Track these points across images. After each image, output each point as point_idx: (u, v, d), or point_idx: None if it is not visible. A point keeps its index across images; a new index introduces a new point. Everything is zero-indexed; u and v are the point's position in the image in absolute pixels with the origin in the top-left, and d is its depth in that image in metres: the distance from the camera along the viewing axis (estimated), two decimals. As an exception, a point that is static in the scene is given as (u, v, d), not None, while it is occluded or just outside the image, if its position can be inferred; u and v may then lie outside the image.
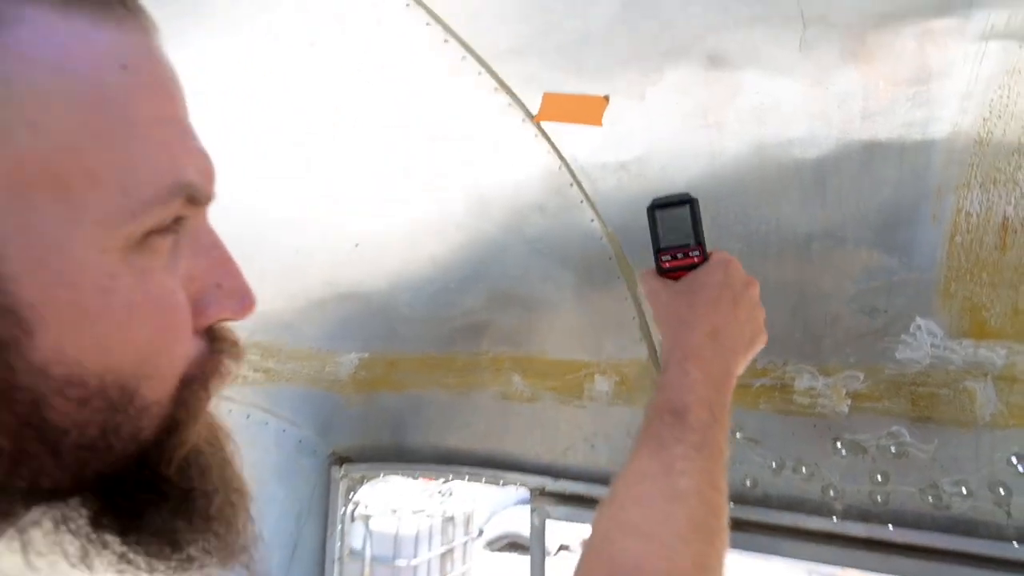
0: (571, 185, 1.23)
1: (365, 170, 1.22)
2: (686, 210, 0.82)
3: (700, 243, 0.81)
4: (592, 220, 1.27)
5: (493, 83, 1.09)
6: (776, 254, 1.15)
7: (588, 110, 1.13)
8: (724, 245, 1.17)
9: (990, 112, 0.89)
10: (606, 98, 1.11)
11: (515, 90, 1.12)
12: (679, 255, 0.82)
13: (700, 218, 0.82)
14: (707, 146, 1.11)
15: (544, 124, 1.17)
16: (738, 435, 1.24)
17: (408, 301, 1.50)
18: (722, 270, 0.80)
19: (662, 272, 0.83)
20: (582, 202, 1.26)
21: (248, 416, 1.59)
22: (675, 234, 0.83)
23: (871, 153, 1.01)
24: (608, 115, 1.11)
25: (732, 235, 1.18)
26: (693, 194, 0.84)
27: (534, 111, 1.15)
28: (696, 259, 0.81)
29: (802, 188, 1.10)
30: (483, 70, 1.06)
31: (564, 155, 1.21)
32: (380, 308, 1.52)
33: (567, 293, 1.37)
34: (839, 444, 1.10)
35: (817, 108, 1.01)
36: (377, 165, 1.22)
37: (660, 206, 0.83)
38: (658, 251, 0.82)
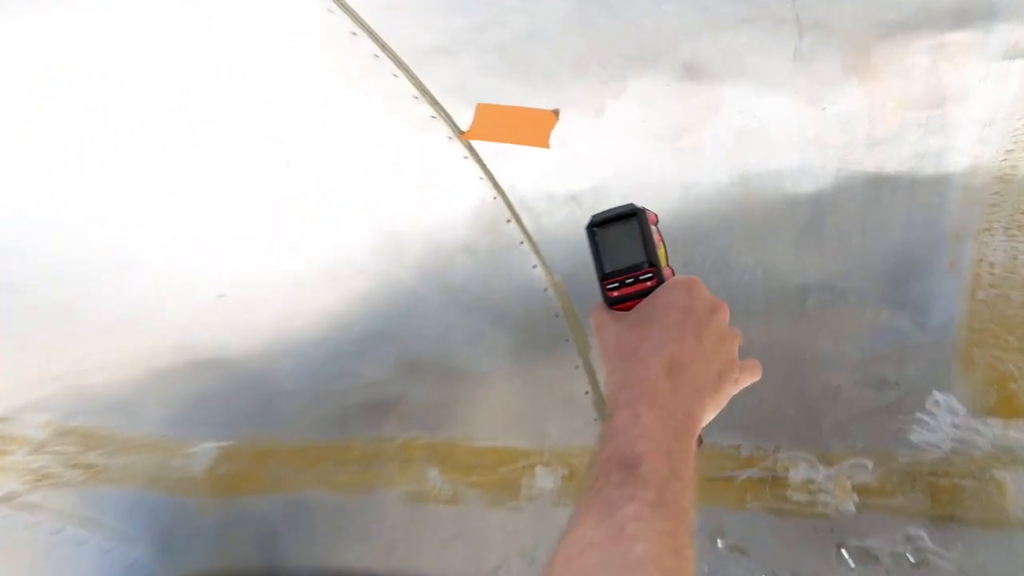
0: (508, 221, 1.20)
1: (235, 195, 1.15)
2: (632, 225, 0.78)
3: (652, 263, 0.78)
4: (535, 266, 1.25)
5: (412, 89, 1.07)
6: (763, 311, 1.15)
7: (532, 127, 1.12)
8: None
9: (1015, 143, 0.92)
10: (555, 112, 1.09)
11: (440, 99, 1.10)
12: (628, 280, 0.78)
13: (650, 233, 0.78)
14: (679, 175, 1.10)
15: (476, 143, 1.15)
16: (719, 543, 1.18)
17: (289, 370, 1.42)
18: (681, 292, 0.76)
19: (611, 304, 0.80)
20: (522, 243, 1.24)
21: (58, 532, 1.40)
22: (621, 255, 0.79)
23: (877, 188, 1.03)
24: (557, 134, 1.10)
25: (708, 286, 1.13)
26: (643, 207, 0.82)
27: (464, 126, 1.13)
28: (649, 283, 0.77)
29: (795, 229, 1.10)
30: (400, 72, 1.03)
31: (500, 183, 1.19)
32: (250, 379, 1.44)
33: (501, 360, 1.34)
34: (845, 552, 1.09)
35: (813, 132, 1.02)
36: (252, 189, 1.15)
37: (600, 224, 0.79)
38: (603, 278, 0.79)
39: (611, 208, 0.79)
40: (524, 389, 1.35)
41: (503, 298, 1.27)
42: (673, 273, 0.81)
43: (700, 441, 0.73)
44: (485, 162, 1.16)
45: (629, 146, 1.09)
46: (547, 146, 1.10)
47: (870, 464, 1.10)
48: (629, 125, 1.06)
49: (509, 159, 1.15)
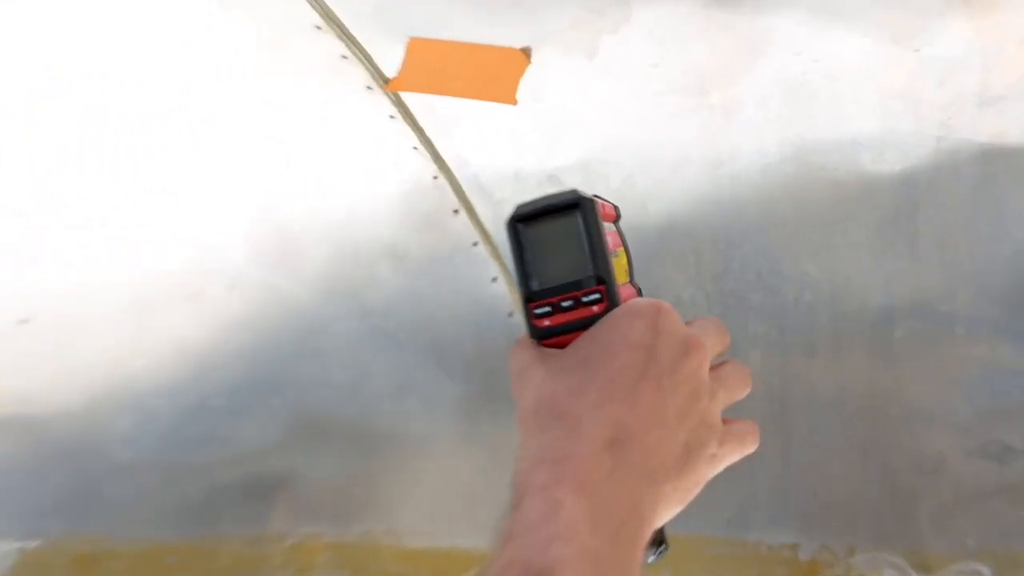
0: (456, 212, 1.16)
1: (47, 171, 1.13)
2: (573, 222, 0.73)
3: (601, 279, 0.71)
4: (494, 279, 1.20)
5: (312, 14, 1.04)
6: (829, 346, 1.12)
7: (492, 73, 1.07)
8: (736, 330, 1.08)
9: None
10: (525, 52, 1.05)
11: (354, 29, 1.06)
12: (565, 303, 0.74)
13: (600, 234, 0.74)
14: (707, 146, 1.07)
15: (409, 96, 1.11)
16: None
17: (126, 433, 1.35)
18: (641, 323, 0.71)
19: (539, 337, 0.76)
20: (476, 244, 1.19)
21: None
22: (556, 267, 0.75)
23: (994, 166, 1.00)
24: (529, 84, 1.05)
25: (747, 308, 1.15)
26: (594, 195, 0.79)
27: (390, 71, 1.09)
28: (596, 307, 0.72)
29: (875, 226, 1.07)
30: None
31: (445, 156, 1.14)
32: (68, 448, 1.36)
33: (444, 419, 1.29)
34: None
35: (901, 84, 1.00)
36: (74, 162, 1.12)
37: (527, 218, 0.72)
38: (528, 299, 0.73)
39: (545, 196, 0.74)
40: (477, 463, 1.30)
41: (448, 327, 1.23)
42: (640, 293, 0.77)
43: (660, 544, 0.71)
44: (422, 124, 1.12)
45: (634, 103, 1.06)
46: (514, 102, 1.06)
47: (987, 571, 1.07)
48: (635, 72, 1.03)
49: (458, 122, 1.12)
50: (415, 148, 1.13)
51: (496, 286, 1.21)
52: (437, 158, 1.14)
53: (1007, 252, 1.05)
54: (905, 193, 1.06)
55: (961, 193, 1.04)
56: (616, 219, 0.79)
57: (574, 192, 0.73)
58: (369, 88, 1.08)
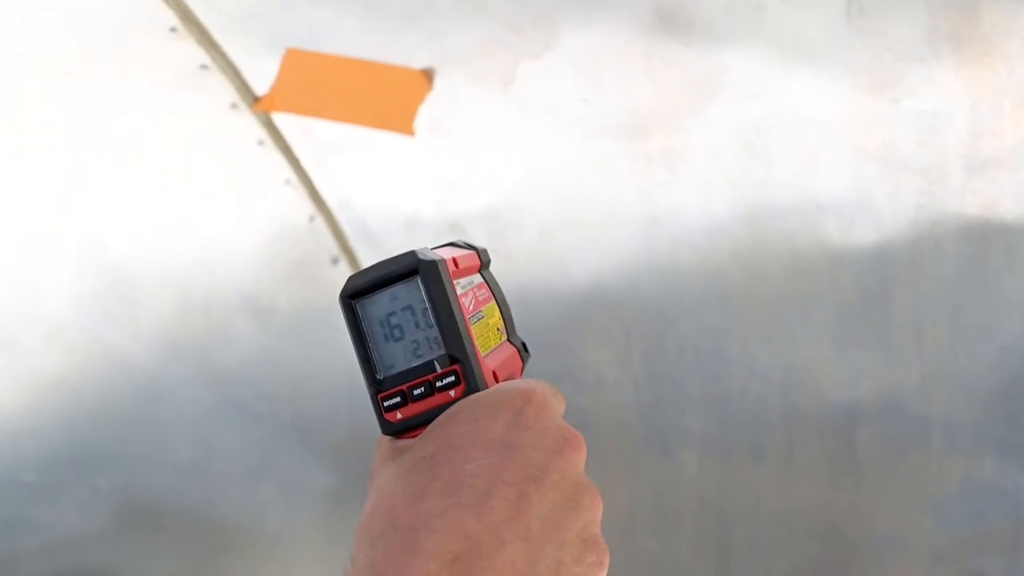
0: (336, 262, 1.11)
1: None
2: (415, 290, 0.67)
3: (455, 357, 0.67)
4: None
5: (170, 15, 0.99)
6: (780, 449, 1.07)
7: (386, 98, 1.04)
8: (668, 424, 1.13)
9: None
10: (427, 75, 1.01)
11: (219, 36, 1.01)
12: (417, 390, 0.66)
13: (450, 300, 0.66)
14: (645, 200, 1.04)
15: (282, 119, 1.07)
16: None
17: None
18: (503, 412, 0.64)
19: (393, 432, 0.65)
20: None
21: None
22: (403, 347, 0.66)
23: (984, 243, 0.97)
24: (430, 112, 1.02)
25: (683, 397, 1.10)
26: (441, 253, 0.72)
27: (261, 88, 1.05)
28: (452, 391, 0.65)
29: (840, 309, 1.04)
30: None
31: (324, 194, 1.10)
32: None
33: (308, 513, 1.24)
34: None
35: (877, 141, 0.96)
36: None
37: (364, 291, 0.65)
38: (376, 390, 0.66)
39: (381, 262, 0.66)
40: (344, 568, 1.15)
41: (317, 401, 1.17)
42: (524, 351, 0.71)
43: None
44: (297, 153, 1.08)
45: (557, 143, 1.03)
46: (411, 133, 1.03)
47: None
48: (559, 106, 1.00)
49: (342, 153, 1.08)
50: (287, 182, 1.08)
51: (381, 352, 1.13)
52: (314, 195, 1.09)
53: (995, 347, 1.01)
54: (877, 270, 1.02)
55: (943, 274, 1.00)
56: (482, 267, 0.71)
57: (412, 255, 0.62)
58: (234, 106, 1.03)
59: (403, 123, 1.02)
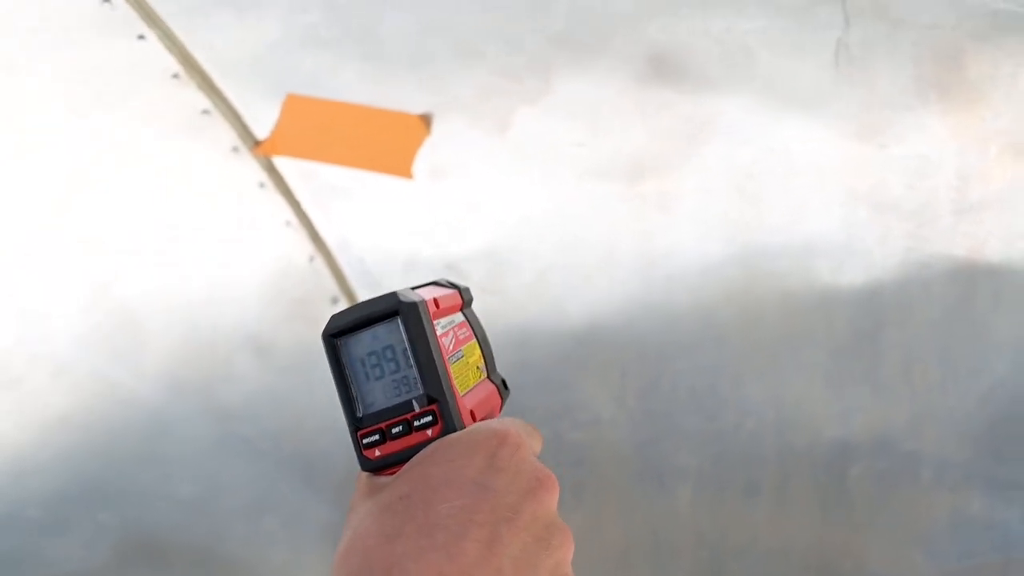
0: (336, 301, 1.13)
1: None
2: (396, 330, 0.70)
3: (433, 396, 0.69)
4: None
5: (172, 60, 1.01)
6: (773, 485, 1.09)
7: (385, 142, 1.05)
8: (663, 461, 1.13)
9: None
10: (425, 120, 1.03)
11: (220, 82, 1.03)
12: (395, 428, 0.69)
13: (429, 341, 0.69)
14: (639, 241, 1.05)
15: (283, 162, 1.09)
16: None
17: None
18: (477, 458, 0.67)
19: (371, 469, 0.69)
20: None
21: None
22: (383, 387, 0.70)
23: (972, 285, 0.98)
24: (428, 156, 1.04)
25: (678, 434, 1.12)
26: (422, 294, 0.75)
27: (262, 132, 1.07)
28: (430, 431, 0.68)
29: (832, 349, 1.05)
30: (150, 30, 0.98)
31: (324, 235, 1.12)
32: None
33: (310, 545, 1.24)
34: None
35: (866, 185, 0.98)
36: None
37: (346, 330, 0.69)
38: (355, 427, 0.69)
39: (363, 303, 0.68)
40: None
41: (319, 437, 1.18)
42: (504, 388, 0.74)
43: None
44: (297, 196, 1.09)
45: (553, 186, 1.04)
46: (409, 176, 1.04)
47: None
48: (555, 151, 1.02)
49: (342, 195, 1.09)
50: (288, 223, 1.10)
51: (380, 391, 1.15)
52: (315, 236, 1.11)
53: (983, 386, 1.03)
54: (868, 311, 1.03)
55: (932, 314, 1.01)
56: (464, 306, 0.73)
57: (393, 295, 0.67)
58: (235, 150, 1.05)
59: (402, 167, 1.04)
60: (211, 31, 0.97)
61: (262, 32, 0.96)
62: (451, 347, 0.70)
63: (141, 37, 0.97)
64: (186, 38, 0.98)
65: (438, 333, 0.69)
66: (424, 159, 1.03)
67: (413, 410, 0.67)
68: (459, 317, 0.72)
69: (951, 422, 1.04)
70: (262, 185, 1.06)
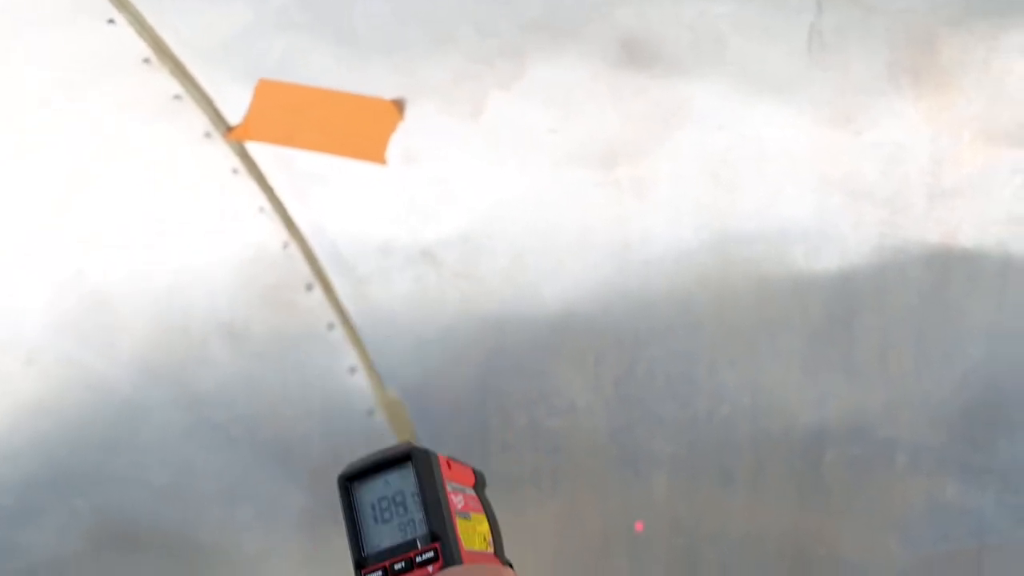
0: (310, 288, 1.13)
1: None
2: (407, 474, 0.73)
3: (436, 535, 0.71)
4: (353, 370, 1.18)
5: (143, 45, 1.02)
6: (748, 472, 1.10)
7: (357, 127, 1.06)
8: (638, 447, 1.14)
9: None
10: (398, 105, 1.04)
11: (192, 67, 1.04)
12: (398, 565, 0.71)
13: (438, 489, 0.73)
14: (613, 227, 1.06)
15: (255, 148, 1.09)
16: None
17: None
18: None
19: None
20: (333, 328, 1.17)
21: None
22: (389, 527, 0.73)
23: (945, 270, 0.99)
24: (401, 141, 1.05)
25: (653, 420, 1.12)
26: (435, 453, 0.76)
27: (234, 118, 1.08)
28: (431, 567, 0.69)
29: (807, 334, 1.06)
30: (120, 15, 0.98)
31: (298, 221, 1.13)
32: None
33: (284, 534, 1.24)
34: None
35: (840, 171, 0.99)
36: None
37: (360, 474, 0.74)
38: (358, 565, 0.71)
39: (379, 451, 0.74)
40: (326, 584, 1.29)
41: (293, 423, 1.20)
42: (503, 560, 0.76)
43: None
44: (271, 182, 1.10)
45: (527, 172, 1.05)
46: (383, 161, 1.05)
47: None
48: (528, 136, 1.03)
49: (315, 181, 1.10)
50: (262, 209, 1.10)
51: (354, 378, 1.19)
52: (288, 222, 1.12)
53: (958, 371, 1.04)
54: (842, 296, 1.04)
55: (907, 300, 1.02)
56: (476, 485, 0.76)
57: (408, 444, 0.72)
58: (208, 135, 1.06)
59: (375, 152, 1.05)
60: (182, 15, 0.98)
61: (234, 16, 0.97)
62: (459, 505, 0.72)
63: (111, 21, 0.97)
64: (156, 21, 0.98)
65: (448, 489, 0.72)
66: (397, 144, 1.04)
67: (416, 548, 0.69)
68: (471, 491, 0.74)
69: (926, 407, 1.05)
70: (235, 171, 1.07)
